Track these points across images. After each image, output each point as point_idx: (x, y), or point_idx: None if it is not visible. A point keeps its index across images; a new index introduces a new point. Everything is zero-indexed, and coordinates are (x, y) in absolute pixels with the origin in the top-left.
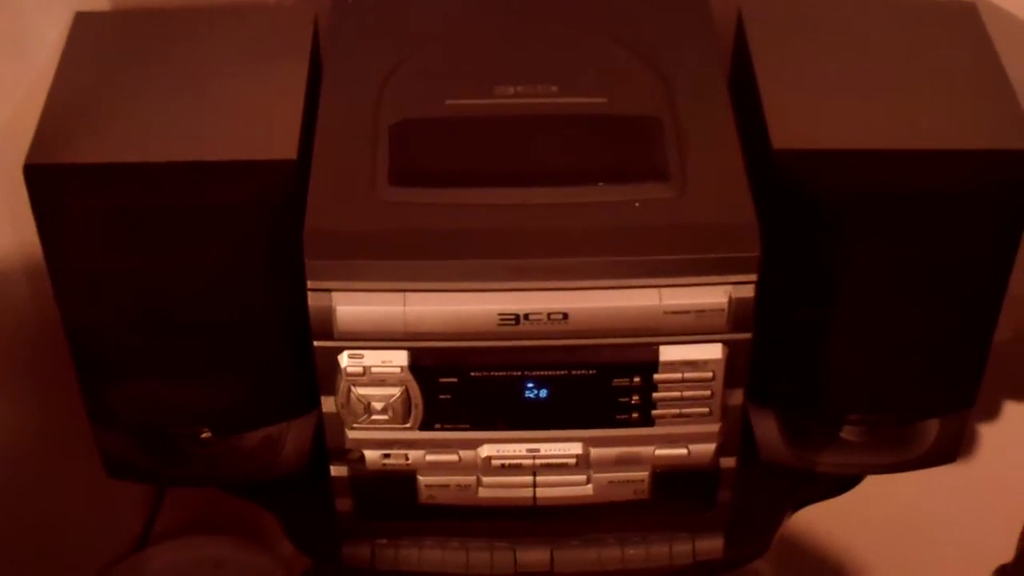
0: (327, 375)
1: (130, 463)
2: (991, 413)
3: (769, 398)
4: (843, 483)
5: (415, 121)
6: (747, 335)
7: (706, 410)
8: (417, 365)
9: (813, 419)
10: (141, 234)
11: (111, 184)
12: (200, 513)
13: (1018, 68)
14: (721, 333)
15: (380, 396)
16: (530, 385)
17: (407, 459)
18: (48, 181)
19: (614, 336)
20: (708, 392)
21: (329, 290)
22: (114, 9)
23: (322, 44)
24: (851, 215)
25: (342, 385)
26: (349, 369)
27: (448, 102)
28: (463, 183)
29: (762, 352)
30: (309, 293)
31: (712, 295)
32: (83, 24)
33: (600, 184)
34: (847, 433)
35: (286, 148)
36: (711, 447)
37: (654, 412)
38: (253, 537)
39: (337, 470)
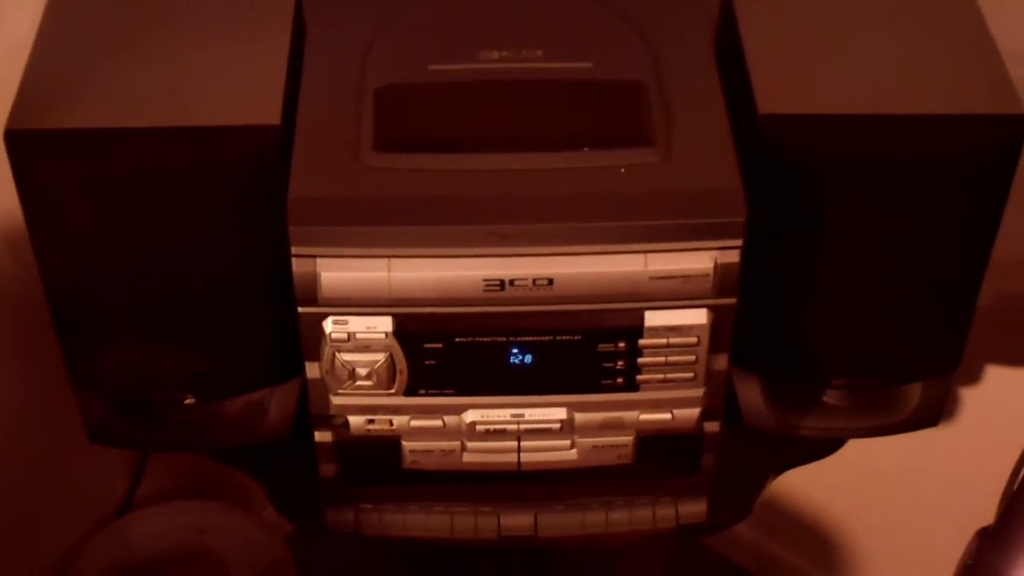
0: (311, 341)
1: (113, 429)
2: (973, 377)
3: (753, 362)
4: (826, 447)
5: (399, 86)
6: (732, 300)
7: (691, 375)
8: (402, 331)
9: (796, 383)
10: (123, 200)
11: (93, 150)
12: (183, 479)
13: (1004, 33)
14: (706, 298)
15: (365, 362)
16: (515, 351)
17: (391, 425)
18: (28, 147)
19: (599, 302)
20: (693, 357)
21: (313, 256)
22: None
23: (305, 8)
24: (836, 180)
25: (326, 351)
26: (333, 335)
27: (432, 67)
28: (448, 149)
29: (746, 316)
30: (293, 259)
31: (697, 260)
32: None
33: (585, 149)
34: (830, 397)
35: (269, 113)
36: (695, 412)
37: (639, 377)
38: (236, 503)
39: (321, 436)
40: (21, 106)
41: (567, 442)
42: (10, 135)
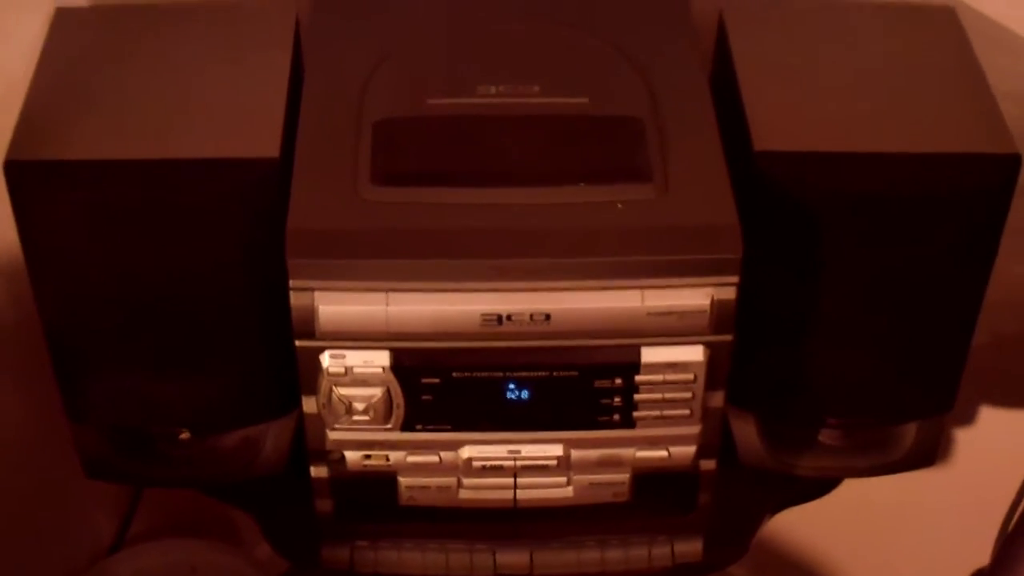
0: (308, 375)
1: (108, 463)
2: (969, 417)
3: (748, 401)
4: (821, 486)
5: (398, 120)
6: (728, 337)
7: (687, 412)
8: (399, 365)
9: (792, 422)
10: (122, 232)
11: (92, 181)
12: (175, 515)
13: (997, 71)
14: (702, 335)
15: (362, 396)
16: (512, 386)
17: (388, 460)
18: (28, 178)
19: (596, 337)
20: (689, 394)
21: (311, 289)
22: (94, 5)
23: (303, 42)
24: (832, 217)
25: (323, 385)
26: (331, 369)
27: (430, 101)
28: (446, 183)
29: (742, 354)
30: (291, 292)
31: (694, 296)
32: (63, 20)
33: (582, 185)
34: (825, 436)
35: (268, 146)
36: (691, 449)
37: (635, 414)
38: (229, 539)
39: (317, 471)
40: (21, 137)
41: (563, 479)
42: (9, 166)
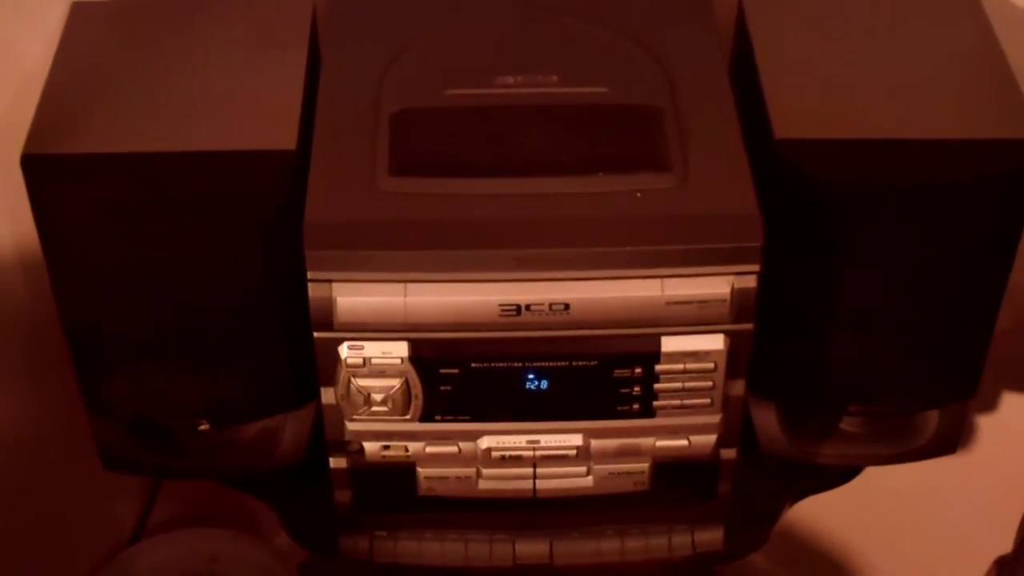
0: (327, 366)
1: (127, 455)
2: (991, 404)
3: (769, 389)
4: (843, 474)
5: (415, 111)
6: (749, 326)
7: (707, 401)
8: (418, 356)
9: (813, 410)
10: (139, 225)
11: (109, 175)
12: (195, 506)
13: (1019, 57)
14: (723, 324)
15: (380, 387)
16: (531, 376)
17: (407, 451)
18: (46, 171)
19: (616, 327)
20: (709, 383)
21: (329, 281)
22: None
23: (320, 33)
24: (852, 205)
25: (342, 376)
26: (349, 360)
27: (448, 92)
28: (464, 173)
29: (763, 342)
30: (309, 284)
31: (714, 285)
32: (80, 13)
33: (601, 174)
34: (847, 424)
35: (286, 138)
36: (712, 438)
37: (655, 403)
38: (249, 530)
39: (336, 462)
40: (39, 131)
41: (583, 469)
42: (28, 160)
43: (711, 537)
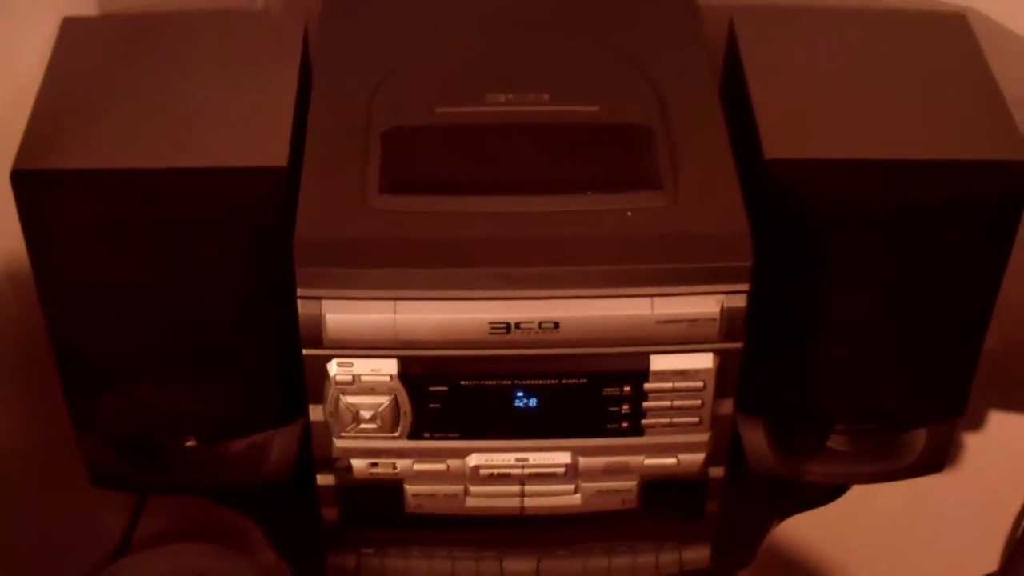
0: (316, 383)
1: (114, 471)
2: (978, 421)
3: (757, 407)
4: (829, 492)
5: (406, 129)
6: (738, 345)
7: (696, 420)
8: (407, 374)
9: (801, 428)
10: (129, 241)
11: (99, 190)
12: (181, 521)
13: (1008, 78)
14: (712, 343)
15: (369, 404)
16: (520, 394)
17: (395, 468)
18: (35, 187)
19: (605, 345)
20: (698, 402)
21: (319, 298)
22: (102, 14)
23: (311, 51)
24: (842, 225)
25: (331, 393)
26: (338, 377)
27: (439, 110)
28: (454, 191)
29: (751, 361)
30: (299, 301)
31: (704, 304)
32: (71, 29)
33: (592, 193)
34: (834, 442)
35: (276, 155)
36: (700, 457)
37: (644, 421)
38: (235, 546)
39: (324, 479)
40: (29, 145)
41: (571, 487)
42: (18, 175)
43: (698, 555)
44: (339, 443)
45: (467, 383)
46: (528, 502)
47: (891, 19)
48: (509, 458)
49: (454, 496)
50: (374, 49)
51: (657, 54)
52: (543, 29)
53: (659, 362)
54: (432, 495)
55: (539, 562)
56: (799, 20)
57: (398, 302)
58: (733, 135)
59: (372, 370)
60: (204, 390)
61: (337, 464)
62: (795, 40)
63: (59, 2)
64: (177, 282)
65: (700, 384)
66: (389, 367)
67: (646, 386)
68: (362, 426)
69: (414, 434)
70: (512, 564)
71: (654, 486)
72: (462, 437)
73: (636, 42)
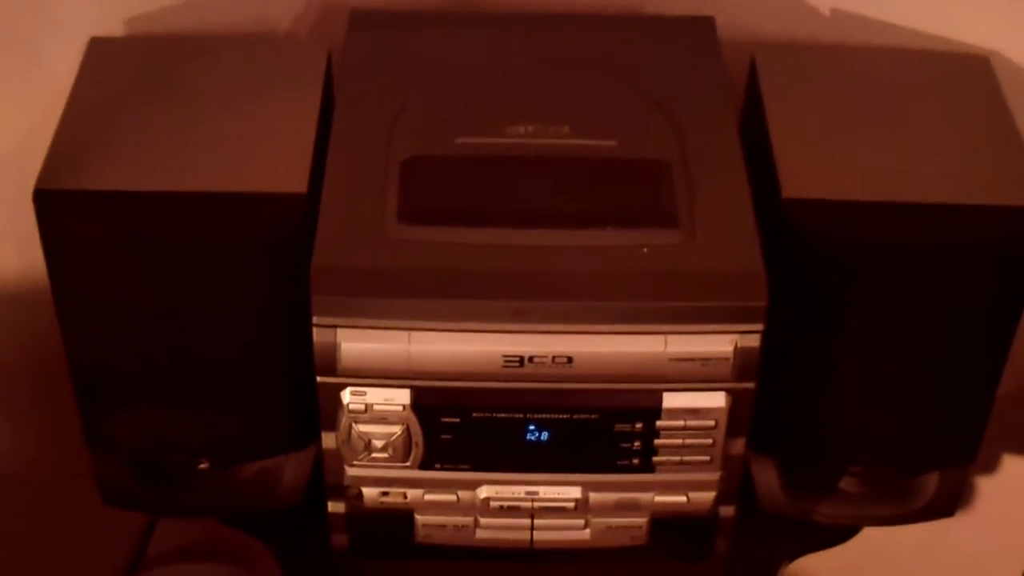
0: (329, 411)
1: (126, 491)
2: (990, 466)
3: (769, 446)
4: (840, 534)
5: (425, 158)
6: (751, 384)
7: (707, 458)
8: (419, 404)
9: (813, 469)
10: (148, 263)
11: (120, 212)
12: (192, 541)
13: None
14: (725, 382)
15: (381, 434)
16: (532, 427)
17: (405, 498)
18: (57, 207)
19: (618, 381)
20: (710, 440)
21: (334, 326)
22: (128, 35)
23: (335, 77)
24: (859, 266)
25: (343, 421)
26: (351, 406)
27: (459, 140)
28: (472, 223)
29: (764, 400)
30: (314, 328)
31: (718, 343)
32: (97, 49)
33: (609, 228)
34: (846, 484)
35: (297, 182)
36: (711, 495)
37: (655, 458)
38: (246, 566)
39: (334, 506)
40: (52, 165)
41: (581, 521)
42: (40, 194)
43: None
44: (351, 471)
45: (479, 415)
46: (538, 536)
47: (914, 59)
48: (519, 491)
49: (464, 527)
50: (396, 78)
51: (678, 89)
52: (564, 62)
53: (672, 400)
54: (442, 526)
55: None
56: (821, 58)
57: (413, 332)
58: (752, 172)
59: (385, 399)
60: (218, 413)
61: (348, 492)
62: (817, 78)
63: (87, 22)
64: (194, 305)
65: (712, 423)
66: (402, 397)
67: (658, 423)
68: (374, 455)
69: (425, 464)
70: None
71: (664, 523)
72: (473, 469)
73: (658, 77)
